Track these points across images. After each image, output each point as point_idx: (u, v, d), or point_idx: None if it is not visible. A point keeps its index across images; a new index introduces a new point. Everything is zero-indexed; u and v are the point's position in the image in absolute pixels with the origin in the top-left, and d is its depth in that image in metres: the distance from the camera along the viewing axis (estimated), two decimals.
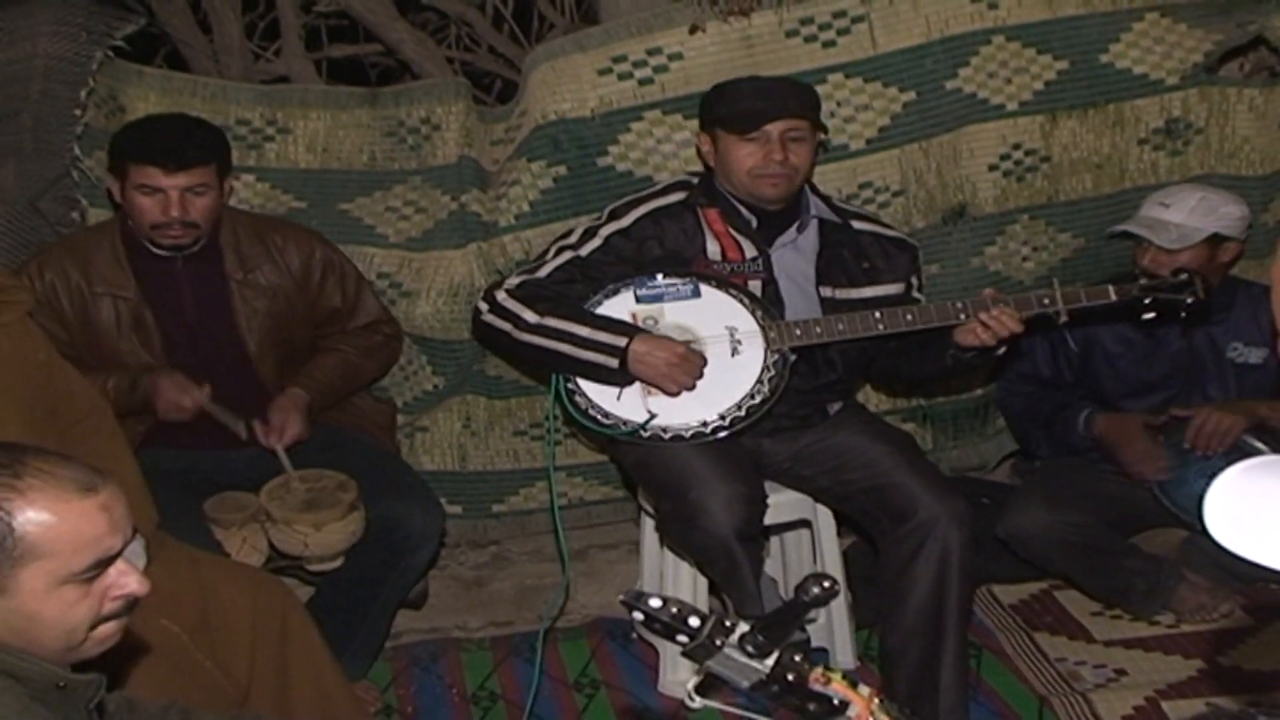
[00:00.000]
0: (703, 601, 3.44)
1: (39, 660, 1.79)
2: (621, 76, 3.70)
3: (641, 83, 3.71)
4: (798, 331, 3.27)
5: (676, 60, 3.70)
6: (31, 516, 1.74)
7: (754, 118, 3.25)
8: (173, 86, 3.73)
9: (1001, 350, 3.28)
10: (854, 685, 1.69)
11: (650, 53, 3.70)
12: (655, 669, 3.61)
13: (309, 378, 3.51)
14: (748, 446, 3.35)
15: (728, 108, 3.31)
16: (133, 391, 3.34)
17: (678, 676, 3.52)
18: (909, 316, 3.28)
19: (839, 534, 3.58)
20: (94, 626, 1.83)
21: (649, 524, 3.63)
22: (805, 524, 3.59)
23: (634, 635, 3.76)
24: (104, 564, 1.80)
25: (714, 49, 3.70)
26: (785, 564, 3.78)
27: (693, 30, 3.69)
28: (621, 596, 1.72)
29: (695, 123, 3.56)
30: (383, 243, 3.82)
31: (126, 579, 1.84)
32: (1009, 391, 3.99)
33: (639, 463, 3.35)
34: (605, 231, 3.35)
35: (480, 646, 3.82)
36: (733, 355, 3.28)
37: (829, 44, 3.74)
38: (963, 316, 3.24)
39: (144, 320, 3.39)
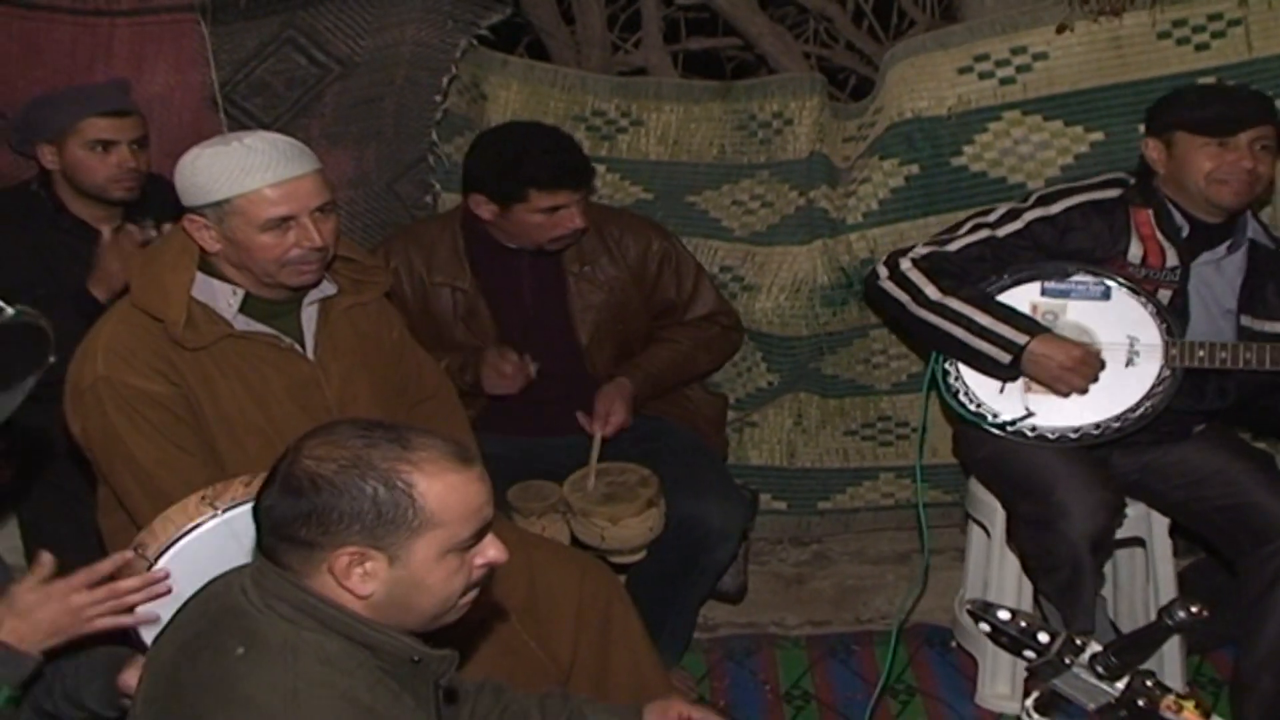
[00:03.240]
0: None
1: (398, 635, 1.87)
2: (982, 75, 3.62)
3: (1003, 82, 3.62)
4: (1201, 354, 3.13)
5: (1041, 60, 3.59)
6: (430, 487, 1.82)
7: (1230, 122, 3.10)
8: (533, 76, 3.85)
9: None
10: (1206, 716, 1.61)
11: (1014, 51, 3.60)
12: (973, 680, 3.54)
13: (638, 367, 3.55)
14: (1100, 456, 3.24)
15: (1197, 111, 3.15)
16: (464, 371, 3.46)
17: (996, 690, 3.46)
18: None
19: (1174, 554, 3.42)
20: (464, 594, 1.92)
21: (976, 531, 3.56)
22: (1139, 542, 3.45)
23: (953, 644, 3.71)
24: (482, 533, 1.89)
25: (1081, 49, 3.57)
26: (1116, 583, 3.64)
27: (1060, 29, 3.57)
28: (968, 606, 1.69)
29: (1056, 124, 3.49)
30: (727, 236, 3.85)
31: (492, 548, 1.92)
32: None
33: (992, 458, 3.29)
34: (1029, 216, 3.25)
35: (796, 645, 3.82)
36: (1127, 365, 3.18)
37: (1202, 47, 3.55)
38: None
39: (479, 311, 3.51)
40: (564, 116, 3.78)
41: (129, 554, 2.27)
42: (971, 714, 3.47)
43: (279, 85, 3.67)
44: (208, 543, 2.27)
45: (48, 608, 2.18)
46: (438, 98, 3.71)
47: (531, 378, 3.45)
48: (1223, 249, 3.21)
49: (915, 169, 3.69)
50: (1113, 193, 3.25)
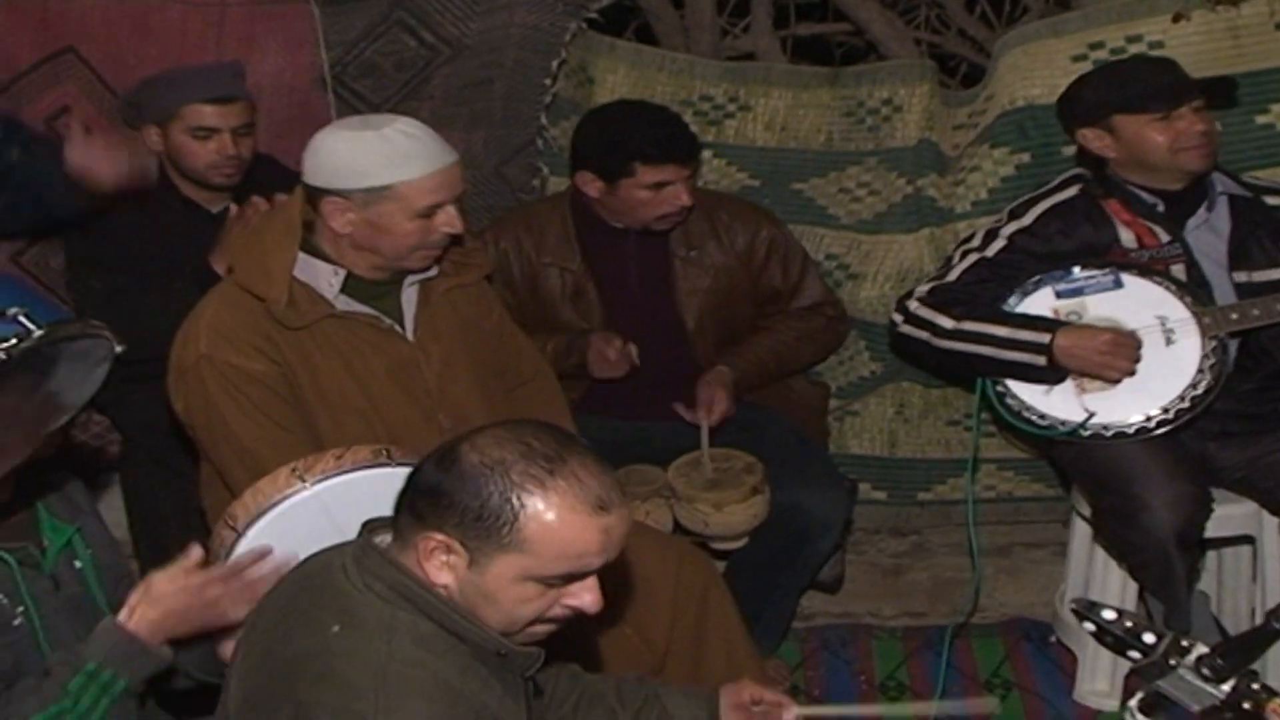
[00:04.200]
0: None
1: (485, 628, 1.88)
2: (1097, 64, 3.54)
3: None
4: (1234, 315, 3.10)
5: (1157, 49, 3.53)
6: (539, 516, 1.81)
7: (1168, 94, 3.11)
8: (641, 60, 3.84)
9: None
10: None
11: (1129, 40, 3.55)
12: (1072, 676, 3.49)
13: (740, 356, 3.55)
14: (1193, 449, 3.18)
15: (1128, 89, 3.15)
16: (569, 354, 3.47)
17: (1095, 686, 3.42)
18: None
19: None
20: (533, 623, 1.90)
21: (1080, 525, 3.51)
22: (1248, 540, 3.38)
23: (1052, 639, 3.67)
24: (574, 579, 1.86)
25: (1197, 38, 3.52)
26: (1221, 581, 3.58)
27: (1176, 18, 3.53)
28: (1073, 604, 1.67)
29: None
30: (833, 224, 3.83)
31: (586, 595, 1.89)
32: None
33: (1077, 458, 3.24)
34: (1008, 231, 3.26)
35: (892, 636, 3.80)
36: (1167, 345, 3.13)
37: None
38: None
39: (586, 292, 3.52)
40: (671, 101, 3.77)
41: (267, 547, 2.28)
42: (1069, 711, 3.43)
43: (388, 67, 3.69)
44: (297, 514, 2.29)
45: (181, 598, 2.20)
46: (547, 81, 3.71)
47: (635, 364, 3.46)
48: (1203, 211, 3.20)
49: (1026, 158, 3.66)
50: (1072, 190, 3.27)
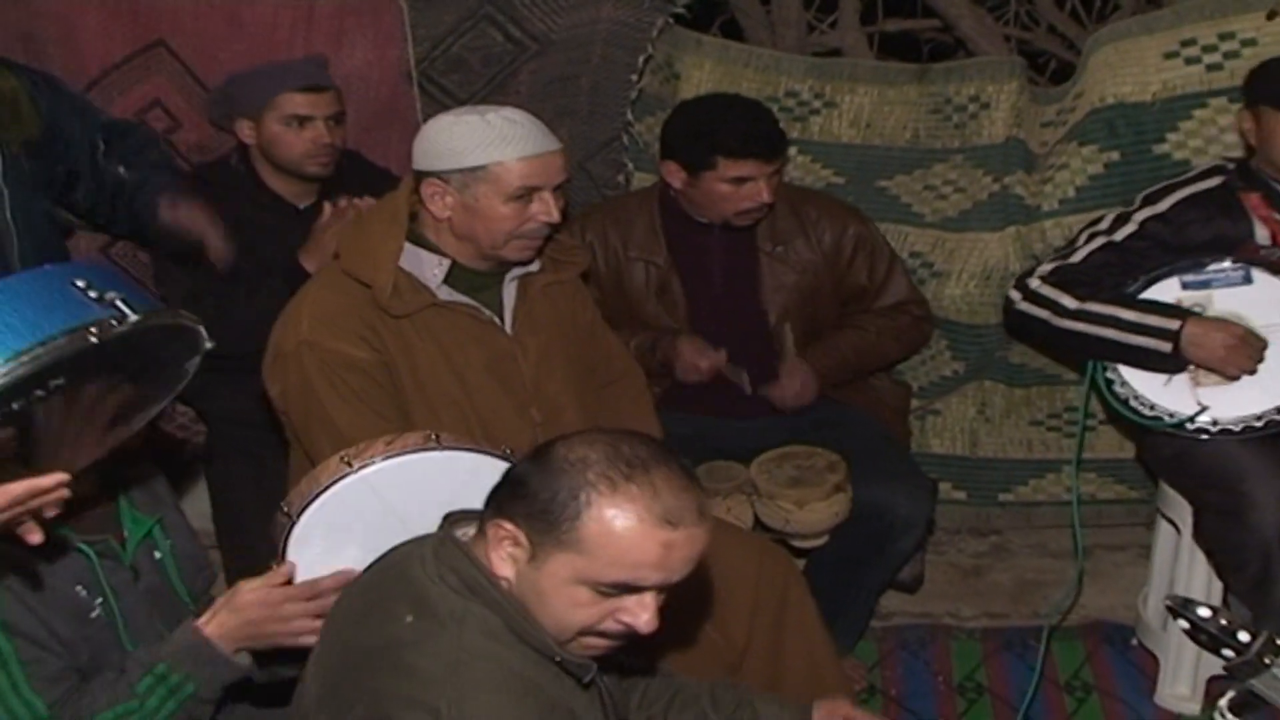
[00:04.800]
0: None
1: (544, 634, 1.88)
2: (1189, 61, 3.52)
3: (1210, 68, 3.52)
4: None
5: (1250, 46, 3.48)
6: (603, 515, 1.80)
7: None
8: (728, 56, 3.83)
9: None
10: None
11: (1222, 37, 3.50)
12: (1153, 679, 3.47)
13: (824, 350, 3.54)
14: None
15: (1275, 85, 3.09)
16: (653, 352, 3.47)
17: (1177, 690, 3.40)
18: None
19: None
20: (584, 633, 1.88)
21: (1164, 528, 3.47)
22: None
23: (1134, 641, 3.64)
24: (629, 589, 1.84)
25: None
26: None
27: (1270, 16, 3.47)
28: (1167, 602, 1.66)
29: None
30: (918, 221, 3.80)
31: (640, 614, 1.86)
32: None
33: (1179, 455, 3.20)
34: (1140, 217, 3.22)
35: (971, 637, 3.78)
36: None
37: None
38: None
39: (671, 287, 3.52)
40: (757, 97, 3.71)
41: (350, 569, 2.28)
42: (1150, 714, 3.41)
43: (475, 62, 3.71)
44: (347, 500, 2.30)
45: (259, 610, 2.21)
46: (633, 77, 3.71)
47: (723, 370, 3.46)
48: None
49: (1116, 156, 3.61)
50: (1214, 181, 3.21)
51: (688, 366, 3.45)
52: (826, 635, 3.02)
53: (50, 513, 1.74)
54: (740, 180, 3.32)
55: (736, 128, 3.31)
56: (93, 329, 1.58)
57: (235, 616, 2.21)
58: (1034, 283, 3.26)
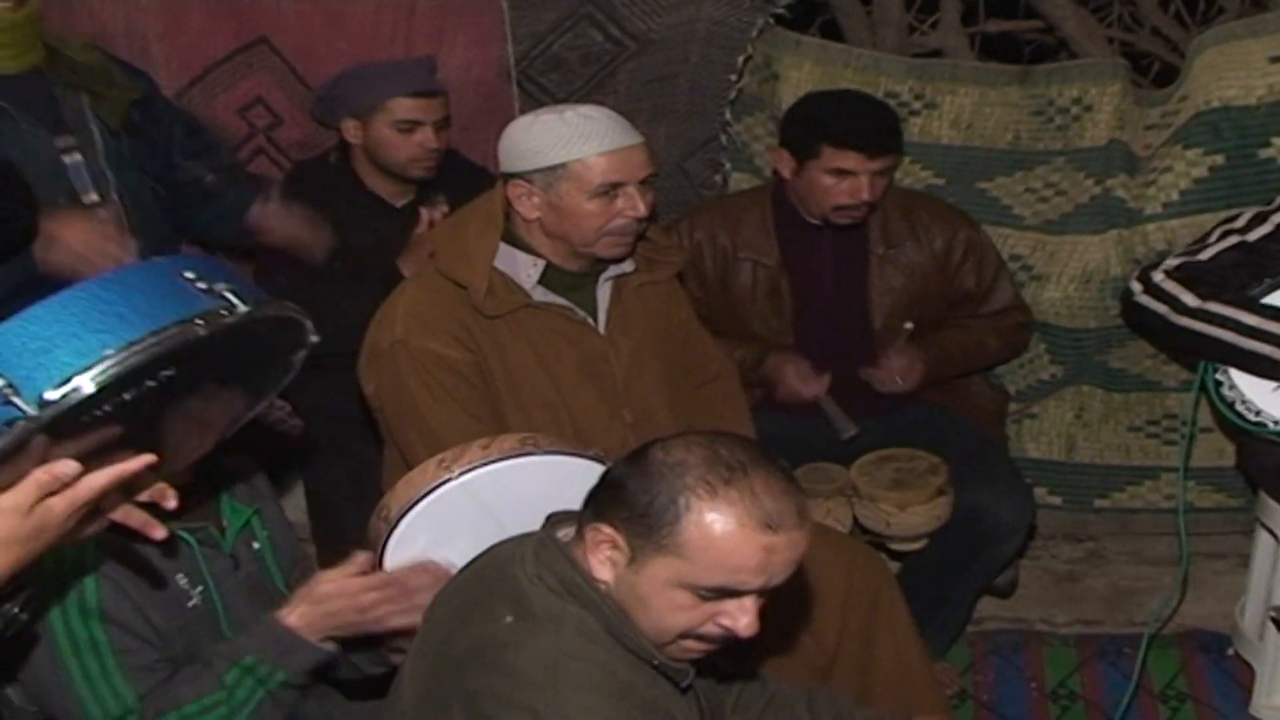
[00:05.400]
0: None
1: (641, 638, 1.88)
2: None
3: None
4: None
5: None
6: (703, 519, 1.79)
7: None
8: (827, 56, 3.80)
9: None
10: None
11: None
12: (1249, 689, 3.42)
13: (930, 343, 3.52)
14: None
15: None
16: (757, 368, 3.47)
17: (1273, 701, 3.35)
18: None
19: None
20: (684, 636, 1.88)
21: (1264, 536, 3.41)
22: None
23: (1230, 651, 3.59)
24: (729, 594, 1.84)
25: None
26: None
27: None
28: (1272, 613, 1.63)
29: None
30: (1018, 224, 3.77)
31: (741, 617, 1.86)
32: None
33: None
34: (1278, 219, 3.14)
35: (1065, 643, 3.74)
36: None
37: None
38: None
39: (780, 288, 3.51)
40: None
41: (434, 562, 2.31)
42: None
43: (574, 61, 3.72)
44: (446, 505, 2.32)
45: (338, 601, 2.23)
46: (732, 77, 3.72)
47: (821, 404, 3.44)
48: None
49: (1220, 159, 3.56)
50: None
51: (789, 393, 3.44)
52: (918, 639, 3.00)
53: (170, 504, 1.77)
54: (841, 173, 3.30)
55: (846, 118, 3.31)
56: (201, 319, 1.59)
57: (316, 608, 2.23)
58: (1157, 276, 3.19)
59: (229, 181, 3.42)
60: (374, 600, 2.25)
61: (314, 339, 1.87)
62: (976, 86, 3.75)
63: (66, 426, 1.52)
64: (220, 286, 1.64)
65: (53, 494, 1.55)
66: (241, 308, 1.64)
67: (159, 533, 1.78)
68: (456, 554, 2.24)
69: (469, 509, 2.31)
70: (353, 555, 2.29)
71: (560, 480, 2.26)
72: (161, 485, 1.77)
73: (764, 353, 3.48)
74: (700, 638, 1.89)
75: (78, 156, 3.09)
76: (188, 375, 1.64)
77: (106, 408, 1.55)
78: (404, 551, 2.33)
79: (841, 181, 3.31)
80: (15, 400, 1.47)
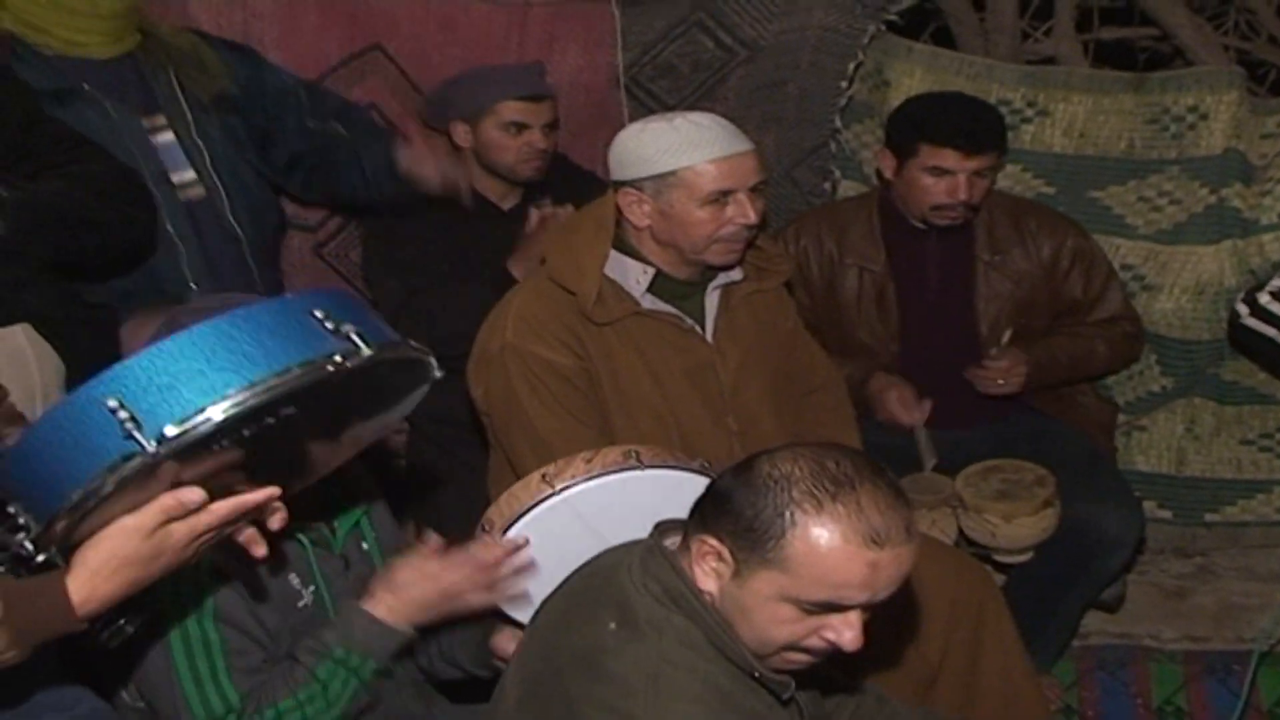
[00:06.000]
0: None
1: (744, 649, 1.88)
2: None
3: None
4: None
5: None
6: (809, 534, 1.78)
7: None
8: (938, 64, 3.78)
9: None
10: None
11: None
12: None
13: (1038, 347, 3.48)
14: None
15: None
16: (860, 388, 3.45)
17: None
18: None
19: None
20: (787, 649, 1.88)
21: None
22: None
23: None
24: (834, 608, 1.83)
25: None
26: None
27: None
28: None
29: None
30: (1130, 233, 3.74)
31: (845, 631, 1.84)
32: None
33: None
34: None
35: (1172, 659, 3.69)
36: None
37: None
38: None
39: (886, 294, 3.50)
40: None
41: (514, 540, 2.33)
42: None
43: (684, 68, 3.73)
44: (549, 520, 2.33)
45: (421, 586, 2.25)
46: (842, 84, 3.71)
47: (916, 434, 3.42)
48: None
49: None
50: None
51: (889, 418, 3.43)
52: (1024, 653, 2.97)
53: (275, 524, 1.80)
54: (939, 171, 3.30)
55: (944, 117, 3.31)
56: (328, 364, 1.62)
57: (399, 594, 2.26)
58: (1264, 298, 3.15)
59: (367, 138, 3.45)
60: (455, 580, 2.27)
61: (437, 375, 1.88)
62: (1090, 94, 3.72)
63: (190, 453, 1.56)
64: (347, 328, 1.66)
65: (175, 519, 1.59)
66: (365, 351, 1.66)
67: (260, 550, 1.82)
68: (559, 567, 2.23)
69: (571, 523, 2.32)
70: (426, 537, 2.32)
71: (663, 493, 2.27)
72: (252, 531, 1.80)
73: (869, 374, 3.47)
74: (804, 650, 1.88)
75: (170, 135, 3.14)
76: (309, 413, 1.68)
77: (225, 441, 1.59)
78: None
79: (940, 180, 3.31)
80: (136, 435, 1.52)
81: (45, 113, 2.85)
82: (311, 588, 2.30)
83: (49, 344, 2.72)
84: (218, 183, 3.18)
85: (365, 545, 2.43)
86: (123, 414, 1.52)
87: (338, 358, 1.63)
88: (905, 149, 3.34)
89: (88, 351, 2.69)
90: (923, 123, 3.32)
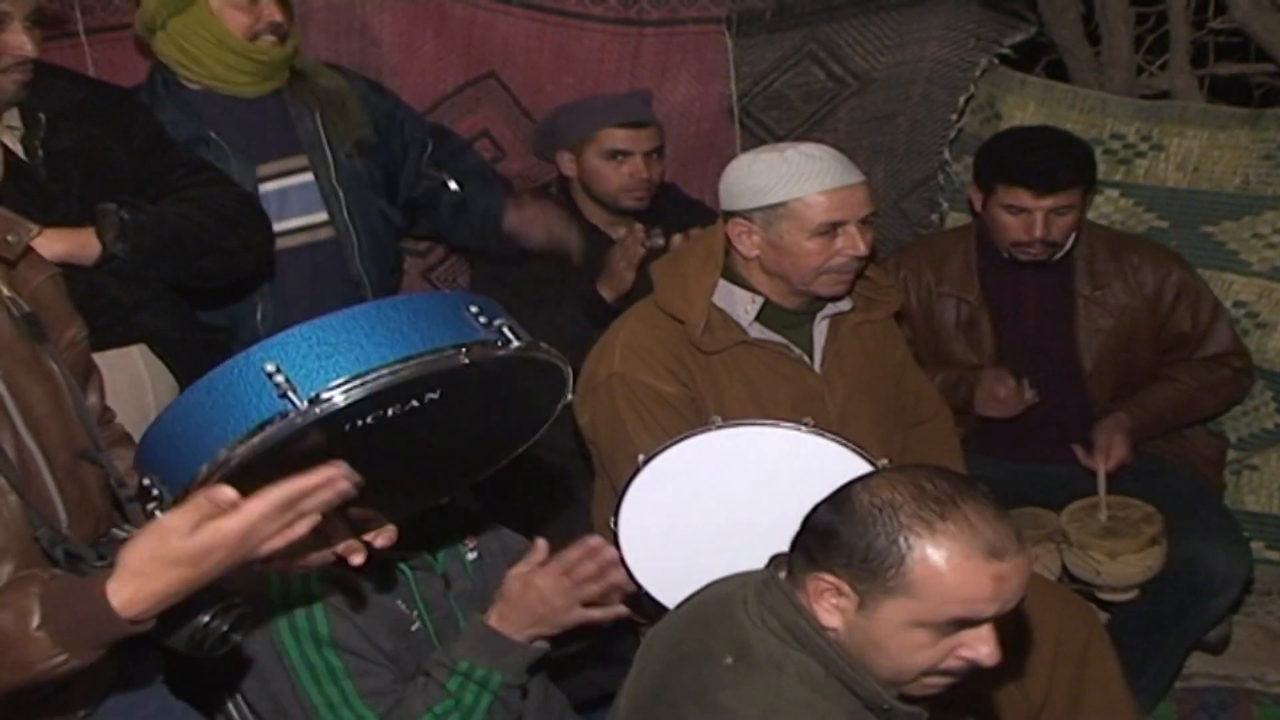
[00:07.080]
0: None
1: (871, 680, 1.87)
2: None
3: None
4: None
5: None
6: (927, 556, 1.78)
7: None
8: (1052, 97, 3.78)
9: None
10: None
11: None
12: None
13: (1139, 404, 3.45)
14: None
15: None
16: (957, 387, 3.46)
17: None
18: None
19: None
20: (926, 674, 1.87)
21: None
22: None
23: None
24: (965, 624, 1.83)
25: None
26: None
27: None
28: None
29: None
30: (1244, 270, 3.70)
31: (981, 646, 1.84)
32: None
33: None
34: None
35: (1275, 702, 3.62)
36: None
37: None
38: None
39: (980, 324, 3.51)
40: (1080, 139, 3.71)
41: (596, 540, 2.37)
42: None
43: (795, 98, 3.75)
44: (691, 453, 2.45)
45: (529, 595, 2.28)
46: (953, 116, 3.73)
47: (1027, 404, 3.42)
48: None
49: None
50: None
51: (986, 395, 3.42)
52: (1128, 693, 2.94)
53: (381, 542, 1.83)
54: (1015, 209, 3.30)
55: (1018, 155, 3.32)
56: (480, 347, 1.66)
57: (511, 605, 2.29)
58: None
59: (480, 187, 3.49)
60: (554, 589, 2.29)
61: (570, 397, 1.92)
62: (1205, 129, 3.69)
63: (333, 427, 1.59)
64: (499, 322, 1.70)
65: (213, 518, 1.55)
66: (515, 343, 1.70)
67: (358, 558, 1.84)
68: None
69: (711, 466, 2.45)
70: (535, 545, 2.34)
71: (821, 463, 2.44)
72: (353, 541, 1.84)
73: (965, 371, 3.48)
74: (943, 673, 1.88)
75: (309, 176, 3.20)
76: (449, 407, 1.70)
77: (369, 419, 1.62)
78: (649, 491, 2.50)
79: (1016, 218, 3.32)
80: (290, 395, 1.55)
81: (169, 137, 2.91)
82: (415, 611, 2.34)
83: (165, 365, 2.78)
84: (350, 227, 3.23)
85: (471, 557, 2.46)
86: (279, 378, 1.56)
87: (489, 344, 1.67)
88: (987, 186, 3.37)
89: (203, 373, 2.74)
90: (999, 161, 3.34)
